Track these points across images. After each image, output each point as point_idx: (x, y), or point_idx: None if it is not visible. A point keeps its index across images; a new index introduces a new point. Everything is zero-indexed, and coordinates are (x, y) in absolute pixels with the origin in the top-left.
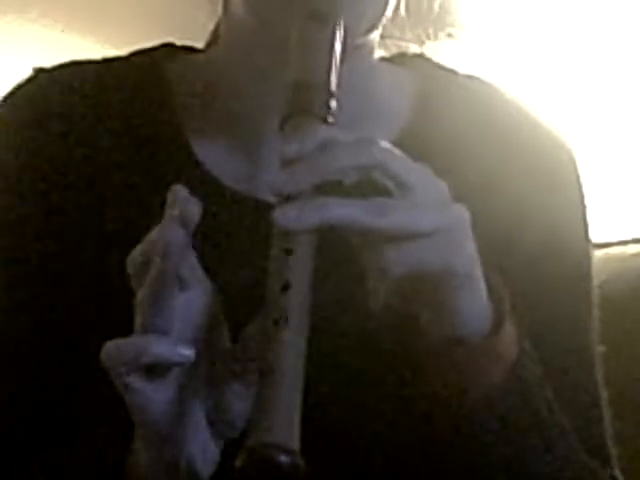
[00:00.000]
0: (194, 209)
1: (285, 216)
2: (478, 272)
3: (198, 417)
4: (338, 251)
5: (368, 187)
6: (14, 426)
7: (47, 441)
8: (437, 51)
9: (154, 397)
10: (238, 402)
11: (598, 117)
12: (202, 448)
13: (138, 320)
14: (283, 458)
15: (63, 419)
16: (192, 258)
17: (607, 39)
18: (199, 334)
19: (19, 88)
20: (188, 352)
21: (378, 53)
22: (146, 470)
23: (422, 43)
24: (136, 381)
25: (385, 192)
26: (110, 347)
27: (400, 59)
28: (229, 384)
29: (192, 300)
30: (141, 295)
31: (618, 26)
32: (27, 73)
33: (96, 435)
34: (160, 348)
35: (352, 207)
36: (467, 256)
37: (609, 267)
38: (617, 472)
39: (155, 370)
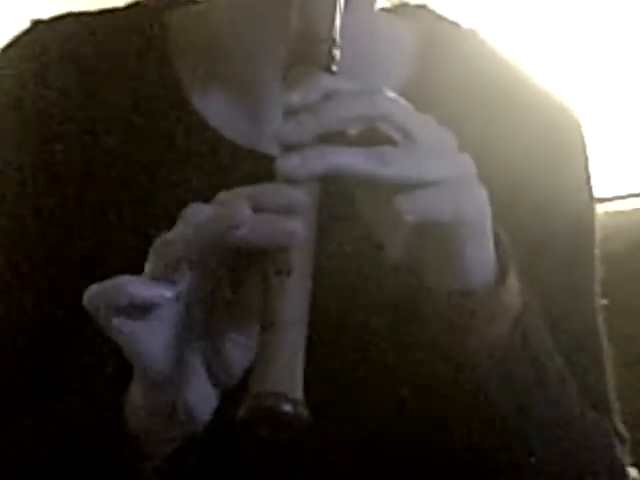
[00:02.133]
0: None
1: (287, 164)
2: (487, 223)
3: (196, 365)
4: (342, 208)
5: (372, 137)
6: (11, 376)
7: (45, 389)
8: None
9: (142, 339)
10: (238, 352)
11: (602, 71)
12: (200, 395)
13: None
14: (287, 407)
15: (60, 367)
16: None
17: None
18: (199, 284)
19: (17, 40)
20: (166, 292)
21: (380, 3)
22: (144, 416)
23: None
24: (120, 323)
25: (389, 142)
26: (91, 290)
27: (402, 10)
28: (229, 334)
29: None
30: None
31: None
32: (24, 24)
33: (93, 380)
34: (137, 288)
35: (355, 155)
36: (476, 205)
37: (610, 222)
38: (620, 425)
39: (141, 311)
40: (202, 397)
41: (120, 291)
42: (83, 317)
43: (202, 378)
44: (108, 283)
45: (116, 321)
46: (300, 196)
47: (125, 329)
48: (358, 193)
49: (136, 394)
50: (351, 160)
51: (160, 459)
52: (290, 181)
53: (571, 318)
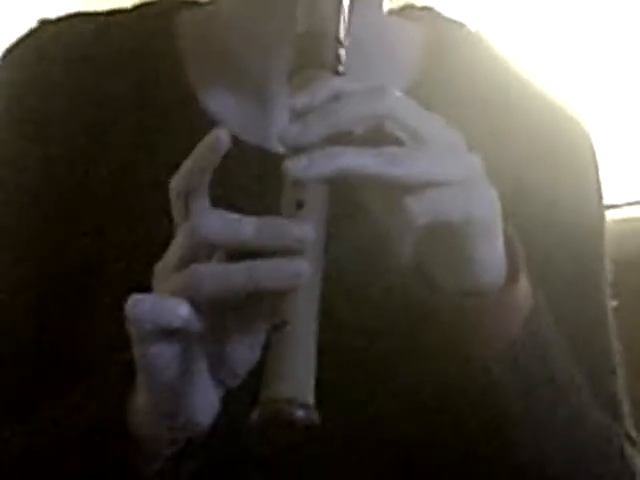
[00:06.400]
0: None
1: (296, 166)
2: (497, 222)
3: (200, 366)
4: (350, 209)
5: (380, 138)
6: (14, 376)
7: (48, 389)
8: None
9: (164, 351)
10: (243, 351)
11: (612, 77)
12: (202, 397)
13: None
14: (299, 412)
15: (63, 367)
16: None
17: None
18: None
19: (24, 39)
20: (203, 323)
21: (385, 5)
22: (146, 419)
23: None
24: (155, 338)
25: (397, 143)
26: (142, 303)
27: (408, 12)
28: (236, 334)
29: None
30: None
31: None
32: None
33: (95, 381)
34: (187, 315)
35: (364, 156)
36: (486, 205)
37: (619, 229)
38: (630, 427)
39: (174, 330)
40: (205, 400)
41: (173, 314)
42: (86, 317)
43: (206, 381)
44: (160, 302)
45: (152, 336)
46: (306, 231)
47: (154, 342)
48: (366, 194)
49: (139, 398)
50: (360, 161)
51: (162, 461)
52: (298, 183)
53: (581, 321)
